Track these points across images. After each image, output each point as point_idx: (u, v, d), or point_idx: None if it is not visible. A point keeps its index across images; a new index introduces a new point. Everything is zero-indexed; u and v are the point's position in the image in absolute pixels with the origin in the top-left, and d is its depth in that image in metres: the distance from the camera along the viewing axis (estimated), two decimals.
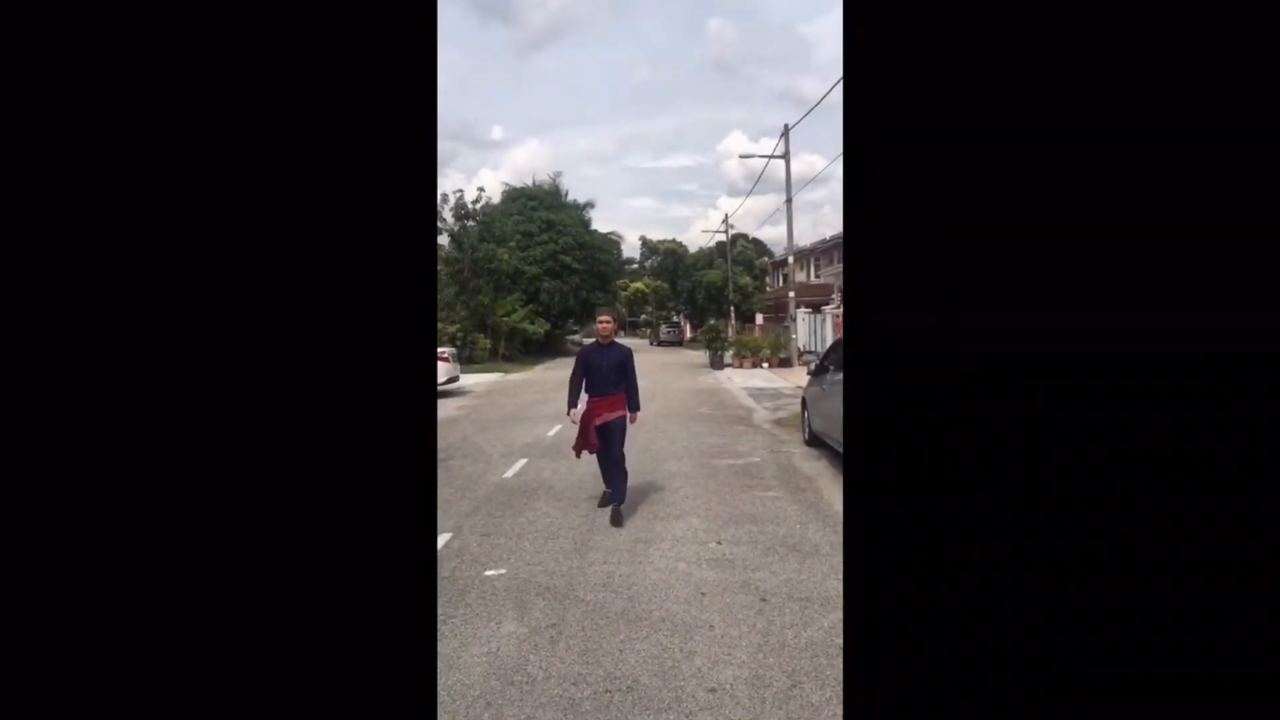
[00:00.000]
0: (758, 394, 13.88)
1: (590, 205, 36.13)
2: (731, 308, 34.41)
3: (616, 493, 5.06)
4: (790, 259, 23.10)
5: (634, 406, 5.23)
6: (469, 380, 17.59)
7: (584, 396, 5.05)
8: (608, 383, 5.02)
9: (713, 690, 2.59)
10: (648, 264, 49.16)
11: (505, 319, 25.73)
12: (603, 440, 5.04)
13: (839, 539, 4.42)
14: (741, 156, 37.28)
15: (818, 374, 7.53)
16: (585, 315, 40.22)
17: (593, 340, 5.26)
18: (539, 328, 28.03)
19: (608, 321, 5.15)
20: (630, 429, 5.28)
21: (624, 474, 5.15)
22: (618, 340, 5.28)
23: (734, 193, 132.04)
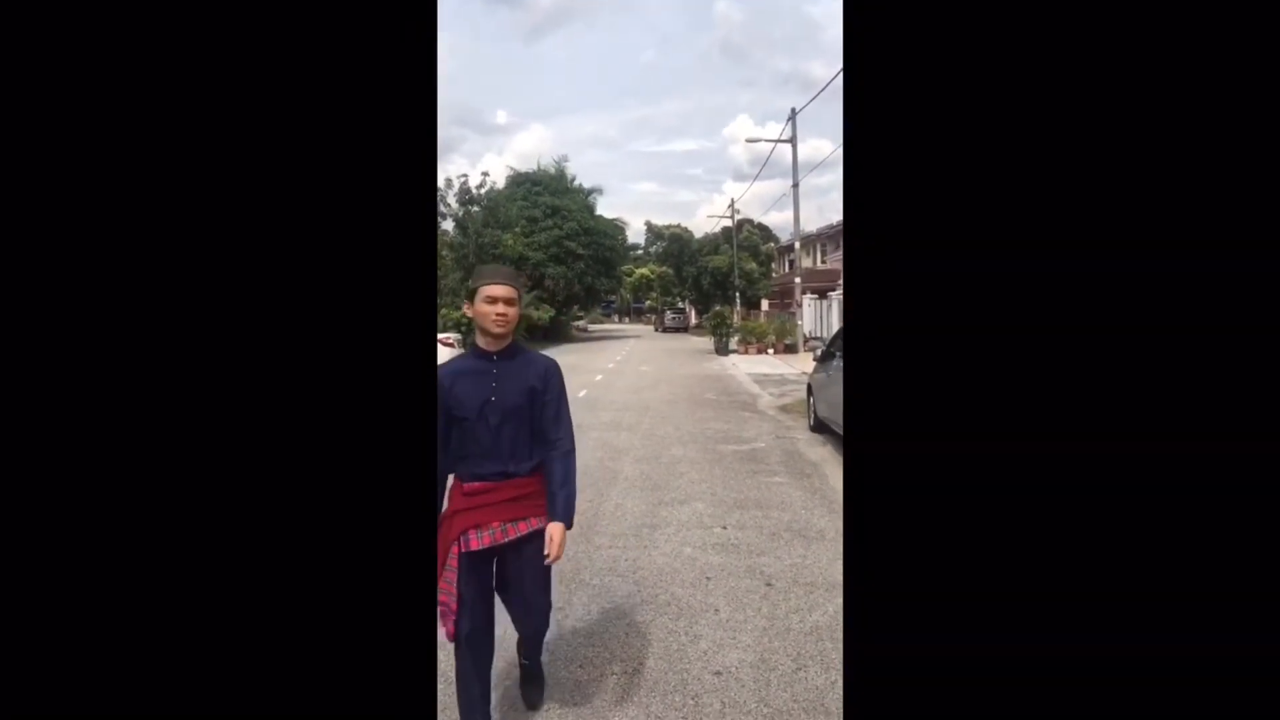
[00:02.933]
0: (763, 380, 13.87)
1: (597, 191, 36.01)
2: (737, 293, 34.32)
3: None
4: (796, 244, 22.99)
5: (559, 510, 2.01)
6: None
7: (450, 483, 2.07)
8: (501, 447, 2.00)
9: (718, 673, 2.62)
10: (653, 249, 48.97)
11: None
12: (481, 599, 2.02)
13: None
14: (748, 141, 37.13)
15: (823, 360, 7.51)
16: (590, 301, 40.08)
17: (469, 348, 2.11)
18: (544, 314, 28.00)
19: (508, 300, 1.98)
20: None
21: (539, 679, 2.40)
22: (530, 347, 2.27)
23: (740, 177, 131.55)
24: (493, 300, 1.97)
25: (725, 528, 4.39)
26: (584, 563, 3.82)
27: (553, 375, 2.11)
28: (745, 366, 16.99)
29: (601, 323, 65.36)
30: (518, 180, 33.83)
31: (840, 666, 2.65)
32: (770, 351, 21.57)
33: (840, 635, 2.90)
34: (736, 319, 27.51)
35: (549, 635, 2.28)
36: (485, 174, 29.39)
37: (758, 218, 43.16)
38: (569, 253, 32.06)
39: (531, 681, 2.41)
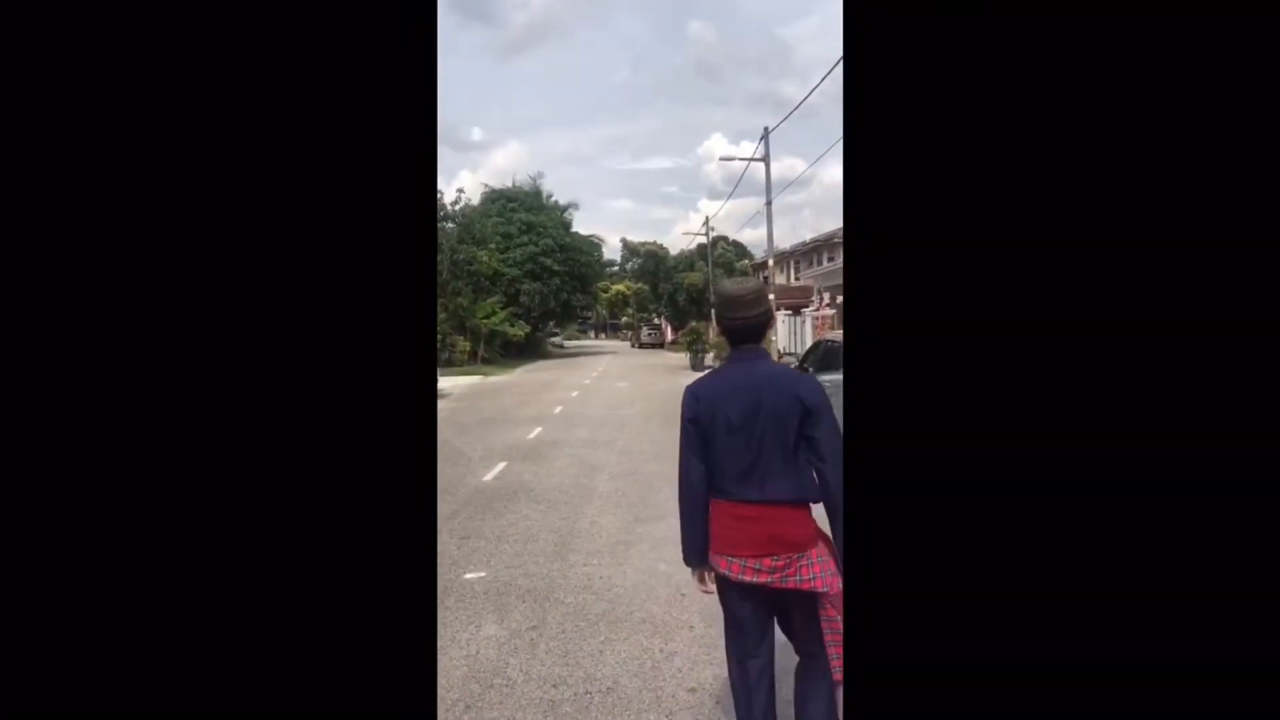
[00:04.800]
0: None
1: (573, 206, 36.11)
2: (712, 310, 34.54)
3: None
4: (770, 261, 23.23)
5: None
6: (448, 383, 17.45)
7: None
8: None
9: (693, 690, 2.59)
10: (628, 266, 49.05)
11: (485, 321, 25.54)
12: None
13: None
14: (722, 159, 37.67)
15: None
16: (566, 317, 39.99)
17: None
18: (519, 330, 27.87)
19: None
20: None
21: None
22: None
23: (714, 195, 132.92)
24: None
25: None
26: (558, 580, 3.77)
27: None
28: None
29: (577, 339, 65.13)
30: (493, 197, 33.78)
31: None
32: None
33: None
34: (712, 335, 27.62)
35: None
36: (460, 190, 29.54)
37: (732, 235, 43.48)
38: (545, 269, 32.02)
39: None
